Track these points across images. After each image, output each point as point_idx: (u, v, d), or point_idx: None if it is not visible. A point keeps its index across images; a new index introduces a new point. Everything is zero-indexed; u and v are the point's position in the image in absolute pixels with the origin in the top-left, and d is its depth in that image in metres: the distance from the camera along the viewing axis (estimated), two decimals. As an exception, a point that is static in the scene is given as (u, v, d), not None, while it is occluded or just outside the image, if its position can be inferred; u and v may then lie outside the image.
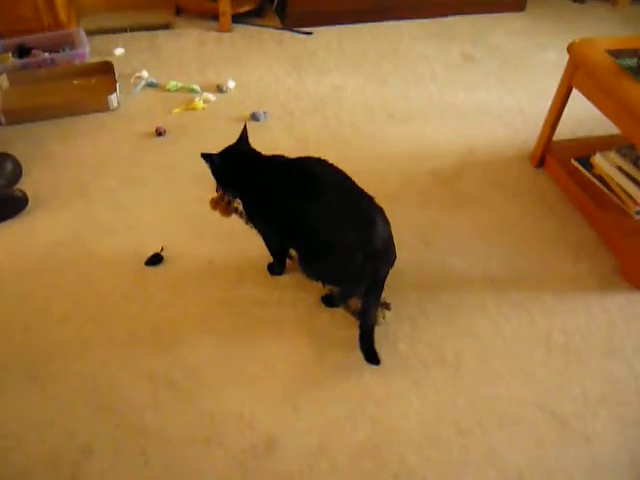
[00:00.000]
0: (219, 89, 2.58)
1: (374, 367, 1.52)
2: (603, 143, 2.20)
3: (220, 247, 1.86)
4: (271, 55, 2.88)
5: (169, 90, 2.57)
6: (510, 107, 2.58)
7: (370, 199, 1.53)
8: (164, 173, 2.15)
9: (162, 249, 1.82)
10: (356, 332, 1.52)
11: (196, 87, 2.56)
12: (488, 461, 1.35)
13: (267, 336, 1.62)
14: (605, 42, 1.99)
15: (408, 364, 1.56)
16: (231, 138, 1.65)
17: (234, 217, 1.70)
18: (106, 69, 2.59)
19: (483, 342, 1.62)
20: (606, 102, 1.87)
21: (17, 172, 2.09)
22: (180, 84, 2.59)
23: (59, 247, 1.85)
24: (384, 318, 1.62)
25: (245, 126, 1.67)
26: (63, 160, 2.20)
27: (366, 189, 1.55)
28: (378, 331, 1.59)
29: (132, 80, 2.59)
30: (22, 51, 2.65)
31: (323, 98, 2.59)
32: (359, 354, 1.53)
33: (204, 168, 1.60)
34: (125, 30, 3.02)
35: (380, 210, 1.52)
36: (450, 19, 3.30)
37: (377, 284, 1.53)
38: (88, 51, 2.69)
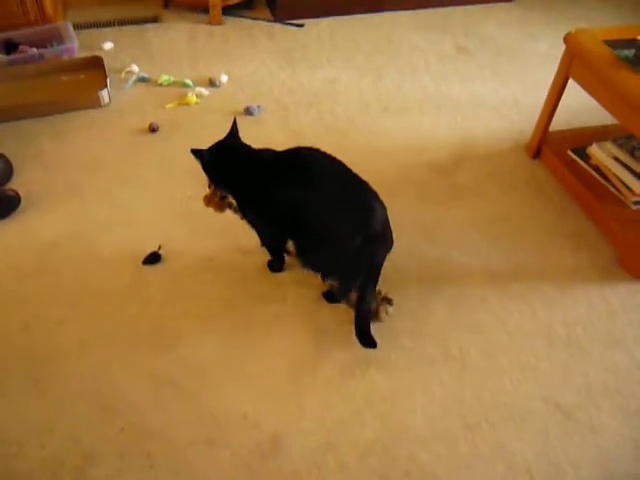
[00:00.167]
0: (212, 83, 2.54)
1: (380, 362, 1.53)
2: (599, 133, 2.20)
3: (218, 244, 1.84)
4: (263, 48, 2.85)
5: (161, 85, 2.53)
6: (505, 98, 2.57)
7: (365, 183, 1.54)
8: (159, 170, 2.12)
9: (159, 247, 1.80)
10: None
11: (188, 82, 2.53)
12: (496, 455, 1.36)
13: (269, 334, 1.60)
14: (601, 32, 1.98)
15: (413, 359, 1.55)
16: (225, 133, 1.64)
17: (230, 214, 1.68)
18: (95, 64, 2.54)
19: (486, 335, 1.62)
20: (603, 92, 1.86)
21: (8, 171, 2.05)
22: (172, 78, 2.55)
23: (55, 247, 1.82)
24: (387, 314, 1.61)
25: (235, 120, 1.66)
26: (55, 158, 2.16)
27: (363, 183, 1.55)
28: (382, 327, 1.59)
29: (123, 75, 2.55)
30: (9, 47, 2.59)
31: (317, 92, 2.56)
32: (363, 351, 1.52)
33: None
34: (113, 24, 2.96)
35: (376, 194, 1.54)
36: (441, 10, 3.28)
37: (374, 269, 1.53)
38: (77, 46, 2.63)
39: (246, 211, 1.65)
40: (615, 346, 1.61)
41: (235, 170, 1.58)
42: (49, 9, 2.71)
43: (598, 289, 1.77)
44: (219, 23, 3.01)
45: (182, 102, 2.43)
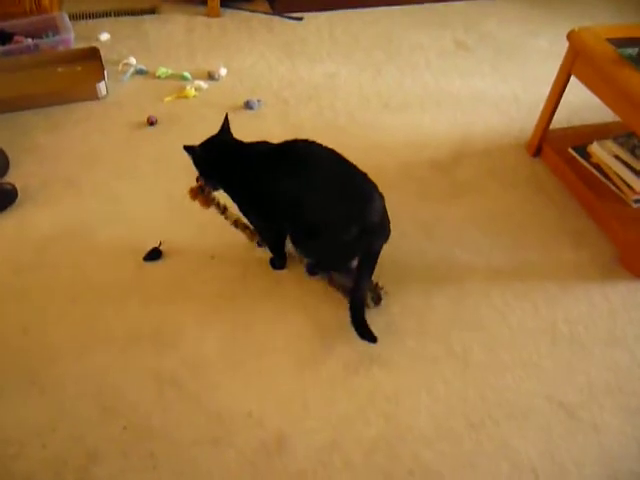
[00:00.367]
0: (211, 76, 2.51)
1: (383, 359, 1.52)
2: (599, 131, 2.20)
3: (220, 240, 1.82)
4: (262, 41, 2.82)
5: (159, 77, 2.50)
6: (505, 95, 2.57)
7: (364, 175, 1.55)
8: (158, 163, 2.09)
9: (160, 243, 1.78)
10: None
11: (187, 74, 2.50)
12: (501, 453, 1.36)
13: (271, 331, 1.59)
14: (604, 30, 1.98)
15: (416, 356, 1.55)
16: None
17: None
18: (92, 55, 2.50)
19: (490, 333, 1.62)
20: (606, 90, 1.86)
21: (4, 164, 2.01)
22: (170, 71, 2.52)
23: (53, 241, 1.79)
24: (374, 303, 1.61)
25: (227, 116, 1.64)
26: (52, 151, 2.12)
27: (364, 179, 1.55)
28: (385, 324, 1.59)
29: (120, 67, 2.51)
30: (3, 37, 2.54)
31: (317, 86, 2.54)
32: (366, 347, 1.52)
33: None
34: (109, 14, 2.92)
35: (374, 185, 1.54)
36: (441, 5, 3.26)
37: (371, 258, 1.54)
38: (73, 37, 2.59)
39: (242, 205, 1.65)
40: (616, 344, 1.62)
41: (228, 165, 1.58)
42: (44, -1, 2.66)
43: (599, 287, 1.77)
44: (217, 15, 2.97)
45: (180, 95, 2.40)
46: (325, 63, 2.70)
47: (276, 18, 3.02)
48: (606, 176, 2.04)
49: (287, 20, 3.01)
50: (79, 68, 2.50)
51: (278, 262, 1.75)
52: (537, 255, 1.86)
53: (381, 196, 1.54)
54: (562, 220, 1.98)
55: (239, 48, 2.76)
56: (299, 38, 2.87)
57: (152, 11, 2.99)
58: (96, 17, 2.90)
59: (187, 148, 1.56)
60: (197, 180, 1.64)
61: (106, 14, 2.91)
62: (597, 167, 2.08)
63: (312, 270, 1.71)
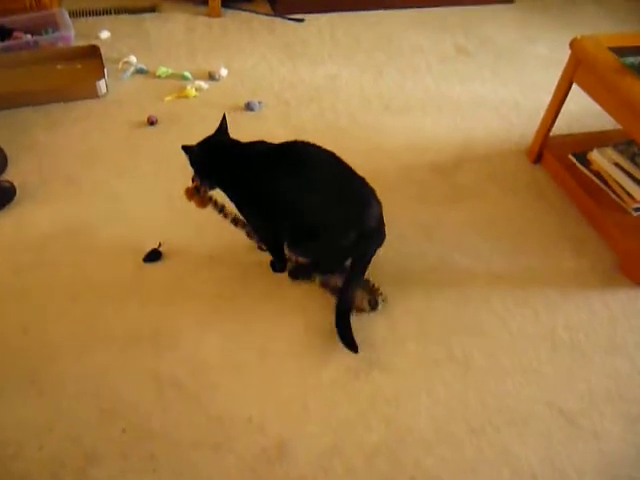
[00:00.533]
0: (211, 77, 2.50)
1: (383, 363, 1.52)
2: (599, 139, 2.21)
3: (220, 241, 1.81)
4: (263, 42, 2.81)
5: (159, 77, 2.48)
6: (505, 100, 2.57)
7: (362, 179, 1.55)
8: (158, 163, 2.08)
9: (160, 244, 1.76)
10: (363, 331, 1.50)
11: (187, 74, 2.48)
12: (501, 459, 1.36)
13: (271, 334, 1.58)
14: (606, 39, 1.98)
15: (416, 361, 1.55)
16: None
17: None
18: (92, 53, 2.48)
19: (490, 338, 1.62)
20: (608, 99, 1.87)
21: (2, 162, 1.99)
22: (171, 70, 2.51)
23: (52, 240, 1.78)
24: (371, 307, 1.61)
25: (224, 116, 1.64)
26: (51, 149, 2.11)
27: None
28: (385, 327, 1.59)
29: (120, 65, 2.50)
30: (2, 33, 2.52)
31: (318, 88, 2.54)
32: (366, 352, 1.52)
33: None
34: (109, 12, 2.90)
35: (373, 190, 1.55)
36: (441, 10, 3.27)
37: (363, 262, 1.55)
38: (73, 34, 2.57)
39: (239, 205, 1.64)
40: (616, 352, 1.62)
41: (225, 165, 1.57)
42: (44, -5, 2.64)
43: (599, 294, 1.78)
44: (218, 15, 2.97)
45: (181, 95, 2.39)
46: (326, 64, 2.70)
47: (277, 19, 3.02)
48: (606, 184, 2.05)
49: (288, 21, 3.01)
50: (79, 66, 2.48)
51: (279, 265, 1.74)
52: (537, 261, 1.86)
53: (378, 202, 1.55)
54: (562, 227, 1.98)
55: (240, 49, 2.75)
56: (300, 39, 2.87)
57: (152, 9, 2.97)
58: (96, 15, 2.88)
59: (185, 148, 1.57)
60: (192, 180, 1.63)
61: (106, 12, 2.90)
62: (597, 174, 2.09)
63: (295, 275, 1.71)
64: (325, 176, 1.51)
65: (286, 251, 1.68)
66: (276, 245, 1.71)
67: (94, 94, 2.33)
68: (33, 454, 1.31)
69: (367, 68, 2.70)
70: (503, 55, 2.91)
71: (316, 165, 1.53)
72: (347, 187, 1.52)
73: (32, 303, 1.61)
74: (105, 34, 2.72)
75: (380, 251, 1.58)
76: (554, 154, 2.19)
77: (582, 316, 1.71)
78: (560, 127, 2.27)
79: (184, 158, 1.58)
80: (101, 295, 1.64)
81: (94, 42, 2.57)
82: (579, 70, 1.96)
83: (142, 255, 1.74)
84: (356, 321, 1.56)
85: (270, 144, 1.60)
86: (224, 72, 2.53)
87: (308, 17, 3.05)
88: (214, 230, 1.82)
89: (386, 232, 1.57)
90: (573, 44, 1.96)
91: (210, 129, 1.63)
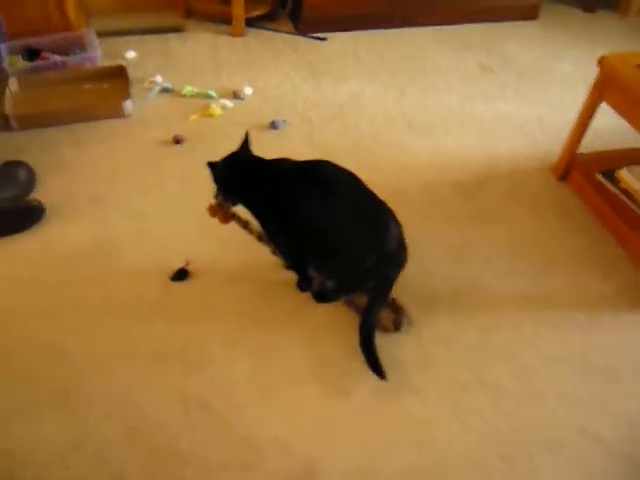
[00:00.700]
0: (236, 95, 2.52)
1: (413, 387, 1.49)
2: (627, 157, 2.18)
3: (246, 259, 1.81)
4: (287, 61, 2.83)
5: (184, 96, 2.51)
6: (530, 119, 2.55)
7: (382, 202, 1.54)
8: (183, 182, 2.09)
9: (187, 263, 1.76)
10: (391, 353, 1.48)
11: (212, 93, 2.51)
12: (536, 488, 1.32)
13: (299, 355, 1.57)
14: (635, 57, 1.96)
15: (447, 386, 1.52)
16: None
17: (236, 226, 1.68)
18: (118, 73, 2.52)
19: (521, 363, 1.58)
20: (637, 116, 1.84)
21: (31, 180, 2.02)
22: (196, 90, 2.53)
23: (80, 259, 1.79)
24: (397, 329, 1.60)
25: (247, 133, 1.65)
26: (78, 168, 2.13)
27: (390, 200, 1.55)
28: (414, 350, 1.57)
29: (145, 85, 2.53)
30: (31, 53, 2.57)
31: (342, 105, 2.54)
32: (395, 373, 1.49)
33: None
34: (135, 32, 2.95)
35: (392, 212, 1.54)
36: (463, 27, 3.27)
37: (386, 286, 1.53)
38: (99, 54, 2.61)
39: (261, 221, 1.64)
40: (651, 377, 1.58)
41: (248, 181, 1.58)
42: (72, 16, 2.69)
43: (630, 317, 1.73)
44: (241, 34, 3.00)
45: (206, 113, 2.41)
46: (349, 83, 2.71)
47: (300, 38, 3.04)
48: (635, 202, 2.01)
49: (311, 40, 3.03)
50: (106, 85, 2.52)
51: (305, 284, 1.73)
52: (566, 283, 1.83)
53: (398, 224, 1.54)
54: (590, 248, 1.95)
55: (264, 67, 2.77)
56: (323, 58, 2.89)
57: (177, 29, 3.02)
58: (122, 35, 2.93)
59: (210, 164, 1.59)
60: (215, 197, 1.64)
61: (132, 32, 2.94)
62: (626, 193, 2.05)
63: (320, 296, 1.70)
64: (346, 197, 1.51)
65: (310, 270, 1.67)
66: (298, 263, 1.70)
67: (120, 114, 2.35)
68: (59, 474, 1.30)
69: (390, 86, 2.71)
70: (526, 73, 2.89)
71: (338, 185, 1.53)
72: (367, 209, 1.52)
73: (60, 322, 1.62)
74: (131, 54, 2.76)
75: (406, 271, 1.56)
76: (581, 172, 2.16)
77: (614, 339, 1.67)
78: (584, 144, 2.24)
79: (210, 176, 1.59)
80: (129, 315, 1.64)
81: (120, 62, 2.61)
82: (608, 89, 1.94)
83: (168, 273, 1.74)
84: (384, 342, 1.54)
85: (293, 162, 1.61)
86: (249, 91, 2.54)
87: (331, 35, 3.07)
88: (240, 247, 1.82)
89: (411, 251, 1.56)
90: (602, 62, 1.95)
91: (235, 147, 1.64)
